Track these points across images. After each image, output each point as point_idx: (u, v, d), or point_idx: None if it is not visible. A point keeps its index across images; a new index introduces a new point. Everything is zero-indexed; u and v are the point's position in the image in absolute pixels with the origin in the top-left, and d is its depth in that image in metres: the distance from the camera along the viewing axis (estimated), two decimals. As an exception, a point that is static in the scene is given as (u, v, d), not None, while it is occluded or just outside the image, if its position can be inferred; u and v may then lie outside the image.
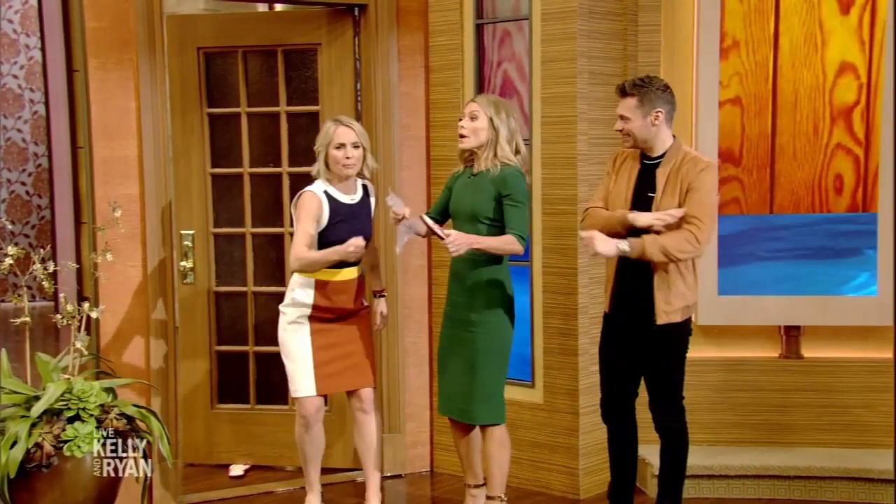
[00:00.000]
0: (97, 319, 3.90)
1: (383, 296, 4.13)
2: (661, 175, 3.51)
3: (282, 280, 4.55)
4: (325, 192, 3.80)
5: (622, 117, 3.51)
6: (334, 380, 3.86)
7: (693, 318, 4.40)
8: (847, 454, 4.30)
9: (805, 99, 4.34)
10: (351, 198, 3.84)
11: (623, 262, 3.53)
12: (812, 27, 4.31)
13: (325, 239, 3.76)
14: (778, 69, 4.36)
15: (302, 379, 3.81)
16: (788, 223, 4.40)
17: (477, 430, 3.78)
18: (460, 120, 3.68)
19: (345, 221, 3.78)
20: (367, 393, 3.93)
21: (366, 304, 4.00)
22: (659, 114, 3.49)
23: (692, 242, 3.40)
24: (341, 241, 3.68)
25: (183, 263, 4.54)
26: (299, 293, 3.82)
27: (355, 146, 3.78)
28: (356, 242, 3.65)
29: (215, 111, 4.63)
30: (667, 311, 3.49)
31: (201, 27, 4.60)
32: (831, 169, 4.35)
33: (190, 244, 4.57)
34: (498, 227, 3.61)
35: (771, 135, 4.38)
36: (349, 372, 3.88)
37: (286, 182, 4.59)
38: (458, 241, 3.49)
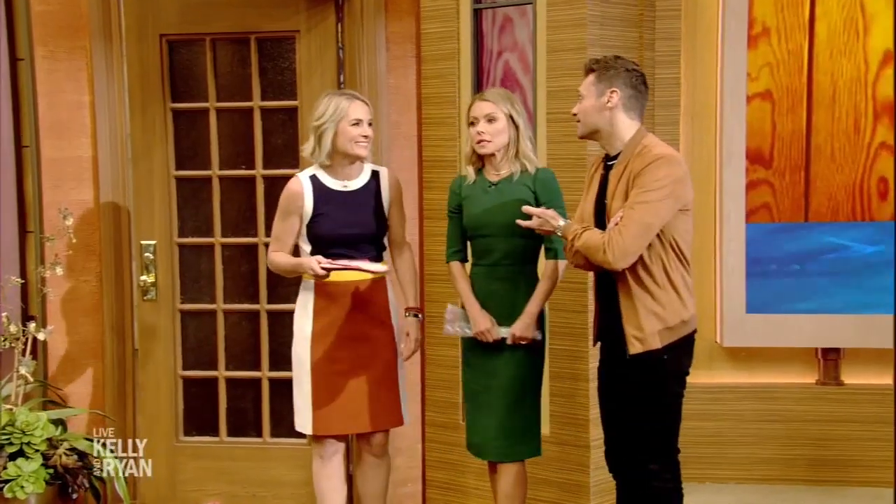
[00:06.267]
0: (45, 342, 3.94)
1: (415, 315, 3.83)
2: (613, 176, 3.28)
3: (255, 296, 4.55)
4: (313, 177, 3.70)
5: (579, 97, 3.36)
6: (336, 421, 3.67)
7: (719, 340, 4.40)
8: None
9: (845, 92, 4.33)
10: (345, 184, 3.71)
11: (597, 285, 3.39)
12: (853, 11, 4.29)
13: (310, 232, 3.68)
14: (814, 59, 4.34)
15: (301, 413, 3.71)
16: (826, 232, 4.36)
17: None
18: (472, 124, 3.60)
19: (331, 213, 3.66)
20: (379, 437, 3.76)
21: (390, 324, 3.81)
22: (614, 94, 3.23)
23: (600, 251, 3.14)
24: (326, 236, 3.62)
25: (143, 278, 4.52)
26: (301, 297, 3.72)
27: (370, 124, 3.71)
28: (310, 265, 3.54)
29: (180, 106, 4.61)
30: (638, 336, 3.18)
31: (164, 11, 4.57)
32: (874, 171, 4.33)
33: (151, 256, 4.55)
34: (535, 239, 3.56)
35: (806, 133, 4.37)
36: (358, 410, 3.68)
37: (260, 186, 4.57)
38: (521, 330, 3.51)
